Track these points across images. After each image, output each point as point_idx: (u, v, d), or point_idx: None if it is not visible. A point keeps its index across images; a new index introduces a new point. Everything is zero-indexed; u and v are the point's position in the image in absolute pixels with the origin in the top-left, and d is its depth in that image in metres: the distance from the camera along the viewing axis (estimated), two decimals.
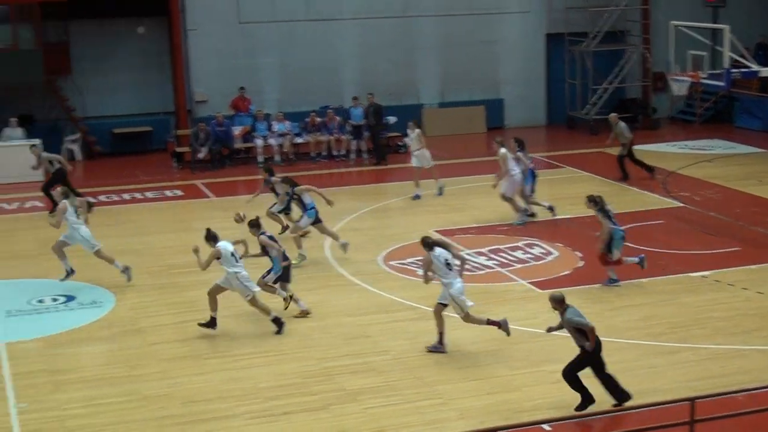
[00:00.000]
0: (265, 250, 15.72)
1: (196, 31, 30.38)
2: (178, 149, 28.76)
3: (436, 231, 19.97)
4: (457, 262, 14.17)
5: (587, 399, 12.14)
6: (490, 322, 14.11)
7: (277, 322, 15.06)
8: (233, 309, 15.71)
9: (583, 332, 12.03)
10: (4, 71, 27.57)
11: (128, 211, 23.03)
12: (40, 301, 16.59)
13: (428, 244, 14.15)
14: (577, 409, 12.10)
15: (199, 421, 12.35)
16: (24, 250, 19.90)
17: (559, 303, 12.20)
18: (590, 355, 12.02)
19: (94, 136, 29.86)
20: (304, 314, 15.75)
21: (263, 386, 13.30)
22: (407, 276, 17.76)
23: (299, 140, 29.03)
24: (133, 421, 12.40)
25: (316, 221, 18.83)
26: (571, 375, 12.14)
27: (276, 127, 28.81)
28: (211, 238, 15.18)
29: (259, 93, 30.48)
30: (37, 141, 25.74)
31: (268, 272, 15.77)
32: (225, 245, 15.01)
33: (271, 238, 15.84)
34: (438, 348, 14.19)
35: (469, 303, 14.10)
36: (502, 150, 21.03)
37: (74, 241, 17.44)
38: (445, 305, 14.09)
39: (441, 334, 14.22)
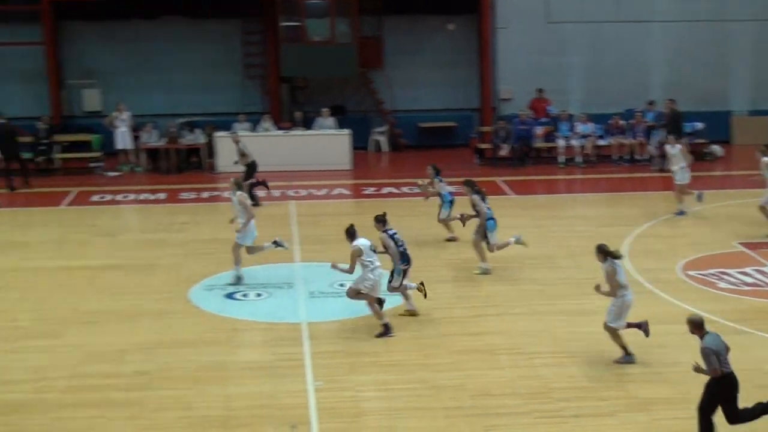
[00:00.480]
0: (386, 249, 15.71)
1: (506, 29, 30.64)
2: (481, 145, 29.14)
3: (740, 243, 19.21)
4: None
5: None
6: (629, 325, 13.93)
7: (387, 328, 15.10)
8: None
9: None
10: (321, 63, 28.90)
11: (427, 204, 23.55)
12: (341, 285, 17.28)
13: (604, 252, 13.74)
14: None
15: (487, 415, 12.49)
16: (328, 235, 20.78)
17: (697, 327, 11.33)
18: (718, 387, 11.16)
19: (400, 128, 30.78)
20: (411, 314, 15.87)
21: (554, 386, 13.29)
22: (707, 287, 17.19)
23: (601, 142, 28.70)
24: (423, 409, 12.71)
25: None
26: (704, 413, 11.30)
27: (579, 128, 28.61)
28: (352, 234, 15.23)
29: (564, 93, 30.39)
30: (346, 131, 26.91)
31: (391, 276, 15.76)
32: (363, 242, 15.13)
33: (392, 237, 15.73)
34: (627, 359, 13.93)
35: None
36: (765, 159, 19.91)
37: None
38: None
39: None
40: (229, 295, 17.34)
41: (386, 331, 15.15)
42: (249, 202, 18.31)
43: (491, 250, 18.13)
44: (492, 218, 18.01)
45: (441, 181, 20.52)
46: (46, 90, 29.52)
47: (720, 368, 11.05)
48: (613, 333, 13.93)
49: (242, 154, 23.62)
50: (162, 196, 25.20)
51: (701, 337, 11.25)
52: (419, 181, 20.07)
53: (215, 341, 15.17)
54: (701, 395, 11.34)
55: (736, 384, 11.19)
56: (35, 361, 14.59)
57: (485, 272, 18.10)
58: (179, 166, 28.03)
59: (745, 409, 11.39)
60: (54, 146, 27.83)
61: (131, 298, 17.30)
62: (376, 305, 15.27)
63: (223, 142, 27.47)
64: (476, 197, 18.05)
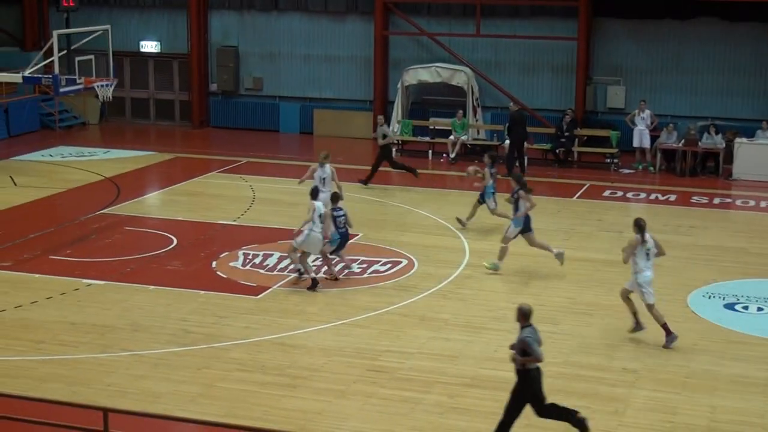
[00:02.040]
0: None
1: None
2: None
3: None
4: (656, 251, 15.01)
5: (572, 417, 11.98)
6: (665, 328, 14.97)
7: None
8: None
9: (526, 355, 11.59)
10: None
11: None
12: None
13: (640, 227, 14.98)
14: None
15: None
16: None
17: (524, 317, 11.77)
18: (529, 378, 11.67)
19: None
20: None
21: None
22: None
23: None
24: None
25: (525, 230, 18.67)
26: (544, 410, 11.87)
27: None
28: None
29: None
30: None
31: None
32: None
33: (335, 217, 17.94)
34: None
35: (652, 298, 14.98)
36: None
37: None
38: (630, 291, 15.20)
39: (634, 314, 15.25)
40: (729, 306, 16.91)
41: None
42: None
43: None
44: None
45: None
46: (573, 84, 30.40)
47: (540, 356, 11.68)
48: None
49: None
50: (672, 197, 25.01)
51: (522, 328, 11.74)
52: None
53: (707, 350, 14.91)
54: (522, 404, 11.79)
55: (541, 380, 11.83)
56: None
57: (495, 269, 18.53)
58: (694, 169, 27.61)
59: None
60: (575, 139, 28.62)
61: None
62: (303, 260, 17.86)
63: (743, 148, 26.69)
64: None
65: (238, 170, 27.29)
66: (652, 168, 28.13)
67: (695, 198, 24.94)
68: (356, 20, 32.69)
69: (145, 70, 35.28)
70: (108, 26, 22.95)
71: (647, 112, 28.23)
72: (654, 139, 28.36)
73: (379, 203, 24.25)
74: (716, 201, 24.73)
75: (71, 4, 32.14)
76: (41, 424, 11.21)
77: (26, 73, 21.47)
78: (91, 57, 22.19)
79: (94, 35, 22.91)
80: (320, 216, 17.76)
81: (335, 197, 18.57)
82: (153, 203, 24.28)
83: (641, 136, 28.28)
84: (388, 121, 31.48)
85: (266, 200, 23.92)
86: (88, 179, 26.18)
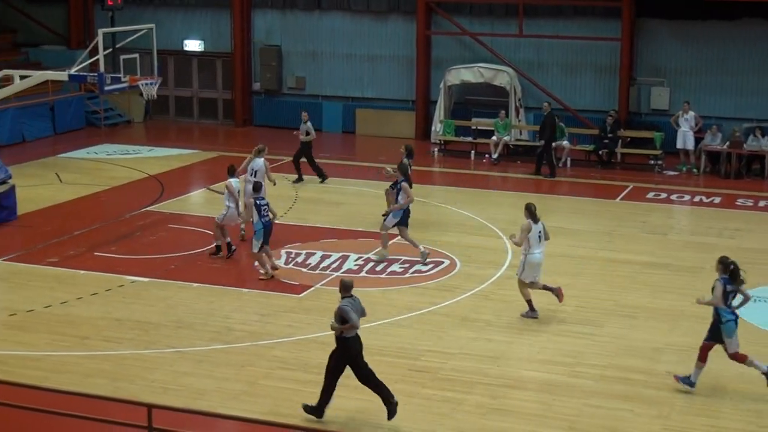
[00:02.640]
0: None
1: None
2: None
3: None
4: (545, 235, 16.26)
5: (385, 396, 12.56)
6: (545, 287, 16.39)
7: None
8: None
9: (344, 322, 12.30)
10: None
11: None
12: None
13: (531, 212, 16.05)
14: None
15: None
16: None
17: (344, 289, 12.57)
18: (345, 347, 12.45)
19: None
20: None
21: None
22: None
23: None
24: None
25: (401, 223, 19.06)
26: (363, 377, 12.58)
27: None
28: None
29: None
30: None
31: None
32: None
33: (258, 206, 17.87)
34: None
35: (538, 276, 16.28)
36: None
37: None
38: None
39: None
40: None
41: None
42: None
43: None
44: None
45: None
46: (616, 85, 30.22)
47: (358, 326, 12.52)
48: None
49: None
50: (717, 200, 24.79)
51: (342, 298, 12.54)
52: None
53: (758, 354, 14.76)
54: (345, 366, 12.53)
55: (359, 350, 12.64)
56: (573, 346, 15.22)
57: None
58: (739, 172, 27.35)
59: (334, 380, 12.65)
60: (618, 141, 28.45)
61: (672, 298, 17.36)
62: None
63: None
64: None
65: (280, 169, 27.35)
66: (696, 170, 27.89)
67: (740, 201, 24.70)
68: (398, 20, 32.70)
69: (189, 69, 35.51)
70: (152, 25, 23.08)
71: (691, 113, 27.99)
72: (698, 140, 28.11)
73: (421, 203, 24.22)
74: (761, 204, 24.46)
75: (117, 2, 32.44)
76: (86, 419, 11.31)
77: (72, 71, 21.65)
78: (136, 55, 22.34)
79: (138, 34, 23.06)
80: (237, 192, 18.96)
81: (257, 186, 18.50)
82: (196, 201, 24.44)
83: (685, 138, 28.05)
84: (430, 121, 31.51)
85: (308, 199, 24.00)
86: (133, 177, 26.40)
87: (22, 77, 22.01)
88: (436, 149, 30.05)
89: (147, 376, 14.04)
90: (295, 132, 26.18)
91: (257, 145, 21.12)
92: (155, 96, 22.82)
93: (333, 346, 15.05)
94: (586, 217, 22.92)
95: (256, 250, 18.06)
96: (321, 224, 21.67)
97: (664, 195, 25.25)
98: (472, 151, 29.58)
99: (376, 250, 19.54)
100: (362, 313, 12.81)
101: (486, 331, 15.85)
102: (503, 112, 29.49)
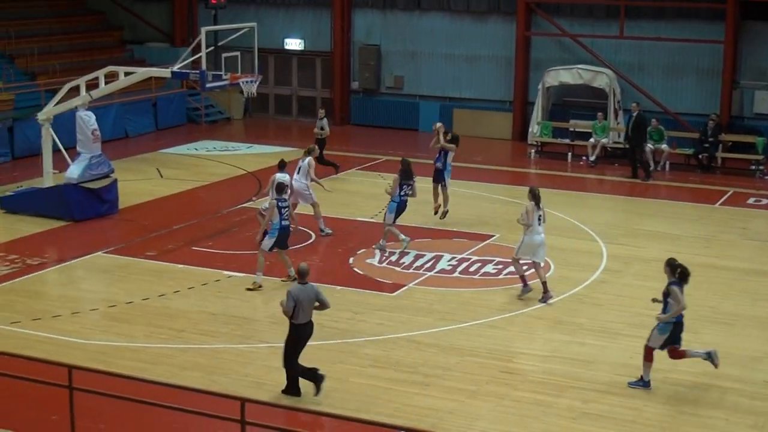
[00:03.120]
0: None
1: None
2: None
3: None
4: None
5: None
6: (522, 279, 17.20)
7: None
8: None
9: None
10: None
11: None
12: None
13: (535, 195, 17.03)
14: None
15: None
16: None
17: (299, 275, 13.25)
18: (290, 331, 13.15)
19: None
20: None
21: None
22: None
23: None
24: None
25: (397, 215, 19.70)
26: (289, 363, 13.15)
27: None
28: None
29: None
30: None
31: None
32: None
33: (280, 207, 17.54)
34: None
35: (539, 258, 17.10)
36: None
37: None
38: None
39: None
40: None
41: None
42: None
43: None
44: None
45: None
46: (718, 88, 29.66)
47: (290, 313, 13.02)
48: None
49: None
50: None
51: (298, 284, 13.20)
52: None
53: None
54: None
55: (303, 337, 13.19)
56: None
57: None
58: None
59: (301, 366, 13.23)
60: (719, 145, 27.93)
61: None
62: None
63: None
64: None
65: (376, 168, 27.54)
66: None
67: None
68: (498, 20, 32.58)
69: (289, 68, 35.90)
70: (254, 24, 23.36)
71: None
72: None
73: (516, 204, 24.13)
74: None
75: (221, 1, 32.98)
76: (180, 411, 11.54)
77: (175, 69, 22.03)
78: (237, 53, 22.64)
79: (240, 32, 23.36)
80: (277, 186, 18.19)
81: (280, 188, 17.93)
82: (292, 199, 24.66)
83: None
84: (527, 122, 31.34)
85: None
86: (231, 173, 26.80)
87: (126, 74, 22.49)
88: (532, 151, 29.88)
89: (240, 370, 14.26)
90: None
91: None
92: (255, 94, 23.09)
93: (426, 345, 15.17)
94: (684, 222, 22.56)
95: (267, 249, 17.77)
96: (415, 224, 21.72)
97: (765, 201, 24.72)
98: (569, 153, 29.33)
99: (381, 243, 19.96)
100: (316, 301, 13.27)
101: (579, 335, 15.73)
102: (601, 114, 29.18)
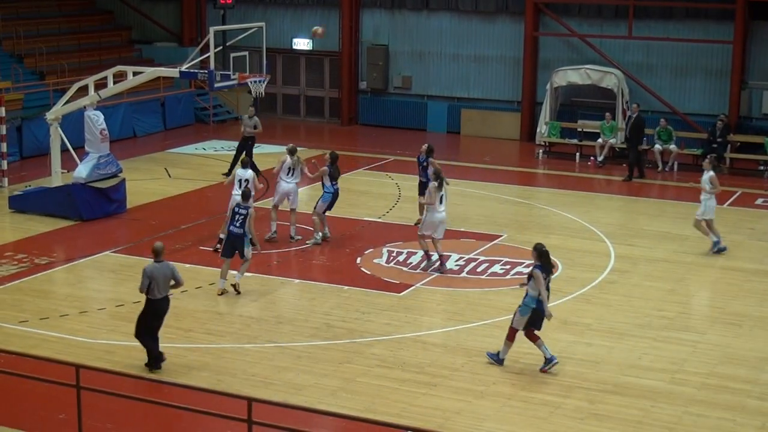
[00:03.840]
0: None
1: None
2: None
3: None
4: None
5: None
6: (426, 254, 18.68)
7: None
8: None
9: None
10: None
11: None
12: None
13: (437, 175, 18.24)
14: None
15: None
16: None
17: (154, 254, 13.91)
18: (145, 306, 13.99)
19: None
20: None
21: None
22: None
23: None
24: None
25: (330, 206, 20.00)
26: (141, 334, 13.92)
27: None
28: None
29: None
30: None
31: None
32: None
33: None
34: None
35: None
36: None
37: None
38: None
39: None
40: None
41: None
42: None
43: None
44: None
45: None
46: (727, 89, 29.60)
47: (144, 290, 13.86)
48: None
49: None
50: None
51: (154, 262, 13.86)
52: None
53: None
54: None
55: (158, 312, 13.99)
56: (675, 353, 14.99)
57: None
58: None
59: (147, 338, 14.02)
60: (727, 145, 27.87)
61: None
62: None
63: None
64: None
65: (384, 168, 27.55)
66: None
67: None
68: (506, 20, 32.55)
69: (297, 67, 35.92)
70: (262, 23, 23.35)
71: None
72: None
73: (524, 204, 24.15)
74: None
75: (228, 1, 32.99)
76: (187, 410, 11.55)
77: (183, 68, 22.04)
78: (246, 53, 22.64)
79: (249, 32, 23.36)
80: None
81: (245, 195, 17.57)
82: (300, 198, 24.60)
83: None
84: (535, 122, 31.30)
85: (411, 198, 24.02)
86: None
87: (134, 74, 22.52)
88: (540, 151, 29.85)
89: (247, 369, 14.27)
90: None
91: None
92: (263, 93, 23.10)
93: (433, 345, 15.16)
94: (692, 222, 22.48)
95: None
96: None
97: None
98: (577, 154, 29.29)
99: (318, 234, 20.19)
100: (171, 279, 13.96)
101: (586, 335, 15.71)
102: (609, 114, 29.13)
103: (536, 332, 14.29)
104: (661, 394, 13.61)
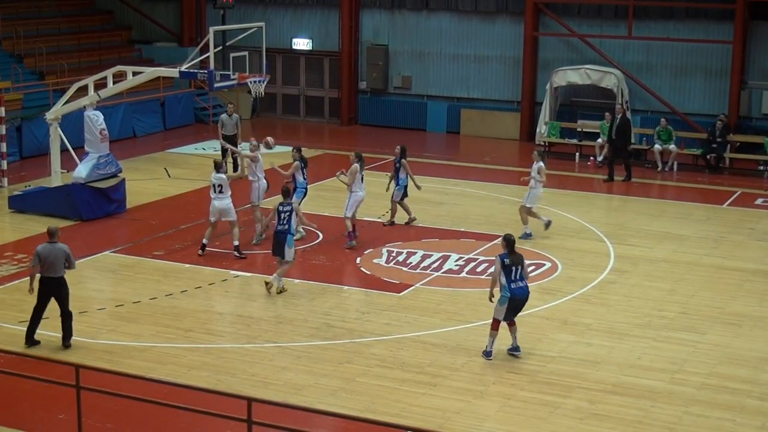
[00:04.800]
0: None
1: None
2: None
3: None
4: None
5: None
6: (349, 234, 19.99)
7: None
8: None
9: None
10: None
11: None
12: None
13: (359, 157, 19.85)
14: None
15: None
16: None
17: (48, 234, 14.59)
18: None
19: None
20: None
21: None
22: None
23: None
24: None
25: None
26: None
27: None
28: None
29: None
30: None
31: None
32: None
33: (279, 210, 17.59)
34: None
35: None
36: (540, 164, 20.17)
37: None
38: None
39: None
40: None
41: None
42: None
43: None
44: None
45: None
46: (726, 89, 29.61)
47: (34, 268, 14.55)
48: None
49: None
50: None
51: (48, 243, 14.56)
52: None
53: None
54: None
55: (50, 290, 14.65)
56: (675, 353, 14.99)
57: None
58: None
59: (35, 321, 14.82)
60: (727, 145, 27.87)
61: None
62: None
63: None
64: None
65: (384, 168, 27.51)
66: None
67: None
68: (506, 20, 32.55)
69: (297, 67, 35.91)
70: (262, 23, 23.35)
71: None
72: None
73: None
74: None
75: (229, 1, 32.98)
76: (187, 410, 11.54)
77: (183, 68, 22.04)
78: (245, 53, 22.63)
79: (248, 32, 23.37)
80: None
81: (286, 192, 18.04)
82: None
83: None
84: (535, 122, 31.30)
85: (411, 198, 24.03)
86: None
87: (134, 74, 22.52)
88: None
89: (247, 369, 14.27)
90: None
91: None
92: (263, 93, 23.12)
93: (433, 345, 15.16)
94: (692, 222, 22.51)
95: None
96: (423, 224, 21.71)
97: None
98: (577, 154, 29.29)
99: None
100: (64, 260, 14.59)
101: (586, 335, 15.71)
102: (608, 114, 29.12)
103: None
104: (660, 394, 13.60)
